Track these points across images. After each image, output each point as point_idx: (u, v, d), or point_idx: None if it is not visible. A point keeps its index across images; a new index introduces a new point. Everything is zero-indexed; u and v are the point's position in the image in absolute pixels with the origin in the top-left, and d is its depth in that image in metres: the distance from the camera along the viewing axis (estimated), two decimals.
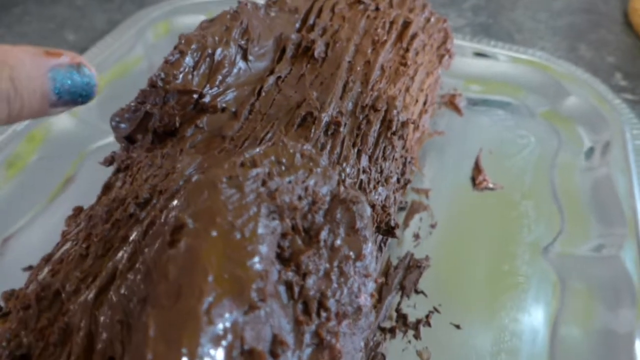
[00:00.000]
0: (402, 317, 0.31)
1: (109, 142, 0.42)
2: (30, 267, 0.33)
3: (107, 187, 0.29)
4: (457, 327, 0.31)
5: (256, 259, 0.20)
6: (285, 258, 0.21)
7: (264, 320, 0.19)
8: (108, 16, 0.58)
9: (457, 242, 0.36)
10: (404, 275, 0.34)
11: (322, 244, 0.22)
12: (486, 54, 0.52)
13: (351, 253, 0.23)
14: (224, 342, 0.17)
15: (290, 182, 0.23)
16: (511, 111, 0.48)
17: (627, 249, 0.34)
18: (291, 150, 0.24)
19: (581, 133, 0.45)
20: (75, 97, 0.22)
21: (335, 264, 0.22)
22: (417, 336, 0.31)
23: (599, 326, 0.31)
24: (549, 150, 0.44)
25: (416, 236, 0.36)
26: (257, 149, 0.24)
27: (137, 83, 0.46)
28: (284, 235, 0.22)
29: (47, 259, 0.26)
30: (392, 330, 0.31)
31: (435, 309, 0.32)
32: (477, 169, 0.41)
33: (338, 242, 0.23)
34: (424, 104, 0.39)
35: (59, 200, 0.37)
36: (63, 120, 0.42)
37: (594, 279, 0.34)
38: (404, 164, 0.33)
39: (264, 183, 0.22)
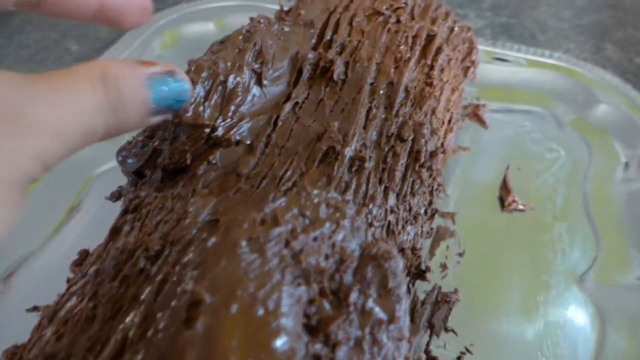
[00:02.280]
0: None
1: (114, 165, 0.40)
2: (35, 308, 0.31)
3: (115, 232, 0.27)
4: None
5: (282, 337, 0.18)
6: (312, 327, 0.19)
7: None
8: None
9: (487, 272, 0.34)
10: (432, 312, 0.31)
11: (352, 307, 0.20)
12: (508, 58, 0.49)
13: (384, 316, 0.20)
14: None
15: (315, 239, 0.21)
16: (538, 121, 0.45)
17: None
18: (315, 200, 0.22)
19: (615, 146, 0.42)
20: (172, 103, 0.23)
21: (367, 330, 0.20)
22: None
23: None
24: (580, 164, 0.41)
25: (443, 266, 0.34)
26: (279, 201, 0.21)
27: None
28: (310, 302, 0.20)
29: (51, 316, 0.24)
30: None
31: (467, 350, 0.30)
32: (505, 188, 0.39)
33: (369, 304, 0.20)
34: (449, 122, 0.37)
35: (63, 232, 0.36)
36: None
37: (636, 312, 0.32)
38: (431, 193, 0.31)
39: (287, 244, 0.20)
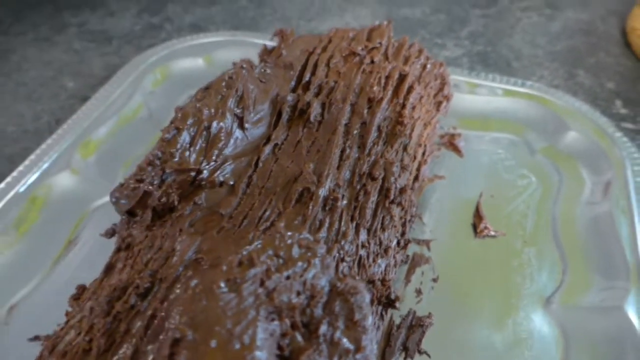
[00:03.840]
0: None
1: (107, 201, 0.42)
2: (36, 337, 0.33)
3: (109, 268, 0.29)
4: None
5: None
6: (285, 358, 0.22)
7: None
8: (106, 60, 0.58)
9: (459, 297, 0.36)
10: (407, 336, 0.34)
11: (321, 339, 0.22)
12: (483, 87, 0.52)
13: (351, 346, 0.23)
14: None
15: (288, 277, 0.23)
16: (511, 149, 0.48)
17: (631, 300, 0.34)
18: (289, 242, 0.24)
19: (582, 172, 0.45)
20: None
21: (336, 359, 0.22)
22: None
23: None
24: (551, 191, 0.44)
25: (418, 291, 0.36)
26: (255, 243, 0.24)
27: (137, 133, 0.47)
28: (283, 335, 0.22)
29: (50, 349, 0.26)
30: None
31: None
32: (478, 216, 0.41)
33: (337, 335, 0.23)
34: (423, 154, 0.39)
35: (61, 264, 0.38)
36: (64, 179, 0.42)
37: (598, 333, 0.34)
38: (404, 224, 0.34)
39: (262, 283, 0.22)
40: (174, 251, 0.27)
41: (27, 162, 0.42)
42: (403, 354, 0.33)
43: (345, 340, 0.23)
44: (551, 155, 0.47)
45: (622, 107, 0.56)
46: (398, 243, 0.32)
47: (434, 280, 0.37)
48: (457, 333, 0.34)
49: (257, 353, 0.20)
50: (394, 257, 0.31)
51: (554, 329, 0.35)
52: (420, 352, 0.33)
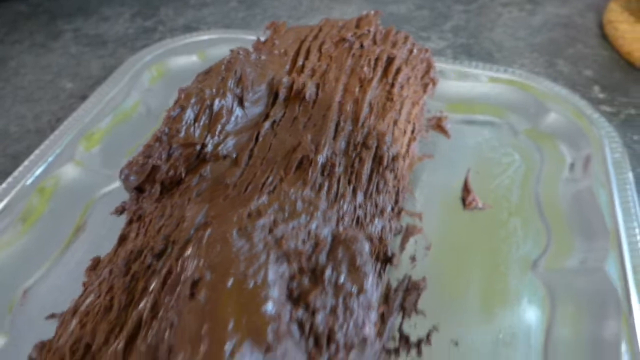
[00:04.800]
0: (404, 338, 0.33)
1: (114, 187, 0.44)
2: (52, 315, 0.35)
3: (123, 239, 0.31)
4: (456, 343, 0.33)
5: (269, 303, 0.22)
6: (294, 298, 0.24)
7: (280, 358, 0.21)
8: (102, 62, 0.60)
9: (451, 262, 0.38)
10: (404, 297, 0.36)
11: (327, 282, 0.24)
12: (467, 75, 0.54)
13: (354, 288, 0.25)
14: None
15: (293, 227, 0.25)
16: (495, 131, 0.50)
17: (610, 260, 0.36)
18: (292, 197, 0.26)
19: (563, 150, 0.47)
20: None
21: (340, 299, 0.24)
22: (419, 354, 0.33)
23: (587, 337, 0.33)
24: (533, 168, 0.46)
25: (412, 258, 0.38)
26: (262, 199, 0.26)
27: (136, 128, 0.49)
28: (292, 278, 0.24)
29: (73, 312, 0.27)
30: (396, 351, 0.33)
31: (435, 328, 0.34)
32: (466, 190, 0.43)
33: (341, 279, 0.25)
34: (412, 132, 0.41)
35: (71, 249, 0.39)
36: (69, 170, 0.43)
37: (581, 292, 0.36)
38: (397, 193, 0.36)
39: (270, 231, 0.24)
40: (184, 217, 0.29)
41: (32, 157, 0.44)
42: (401, 314, 0.35)
43: (348, 283, 0.25)
44: (533, 136, 0.50)
45: (600, 92, 0.59)
46: (392, 209, 0.34)
47: (427, 248, 0.39)
48: (449, 295, 0.36)
49: (269, 291, 0.22)
50: (389, 221, 0.33)
51: (540, 290, 0.37)
52: (417, 312, 0.35)
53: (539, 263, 0.38)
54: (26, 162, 0.43)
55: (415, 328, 0.34)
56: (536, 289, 0.37)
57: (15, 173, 0.42)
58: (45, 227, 0.40)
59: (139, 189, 0.34)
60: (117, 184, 0.44)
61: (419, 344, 0.33)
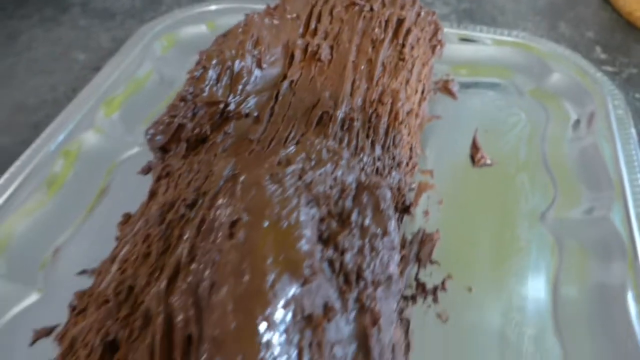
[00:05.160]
0: (420, 286, 0.35)
1: (134, 153, 0.45)
2: (83, 271, 0.36)
3: (152, 194, 0.32)
4: (469, 289, 0.35)
5: (303, 241, 0.23)
6: (324, 239, 0.25)
7: (315, 291, 0.22)
8: (112, 34, 0.61)
9: (462, 215, 0.40)
10: (419, 249, 0.37)
11: (353, 225, 0.26)
12: (472, 38, 0.56)
13: (378, 230, 0.26)
14: (288, 310, 0.21)
15: (321, 174, 0.26)
16: (501, 91, 0.52)
17: (615, 209, 0.38)
18: (318, 147, 0.28)
19: (567, 107, 0.49)
20: None
21: (367, 240, 0.26)
22: (435, 300, 0.34)
23: (595, 280, 0.35)
24: (539, 126, 0.48)
25: (425, 213, 0.40)
26: (290, 149, 0.27)
27: (152, 96, 0.50)
28: (321, 220, 0.25)
29: (111, 260, 0.29)
30: (413, 298, 0.35)
31: (449, 276, 0.36)
32: (474, 147, 0.45)
33: (367, 222, 0.26)
34: (422, 92, 0.43)
35: (96, 211, 0.41)
36: (91, 137, 0.45)
37: (587, 239, 0.38)
38: (411, 149, 0.37)
39: (300, 177, 0.26)
40: (212, 171, 0.30)
41: (53, 124, 0.45)
42: (416, 265, 0.37)
43: (373, 226, 0.26)
44: (538, 95, 0.51)
45: (602, 52, 0.60)
46: (407, 164, 0.36)
47: (439, 202, 0.41)
48: (462, 246, 0.38)
49: (302, 231, 0.24)
50: (405, 175, 0.35)
51: (548, 239, 0.38)
52: (432, 262, 0.37)
53: (546, 214, 0.40)
54: (48, 130, 0.44)
55: (430, 277, 0.36)
56: (545, 238, 0.38)
57: (38, 140, 0.43)
58: (70, 191, 0.42)
59: (164, 149, 0.35)
60: (136, 149, 0.45)
61: (434, 290, 0.35)
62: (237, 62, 0.34)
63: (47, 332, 0.33)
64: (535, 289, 0.35)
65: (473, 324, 0.34)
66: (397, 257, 0.27)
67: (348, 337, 0.22)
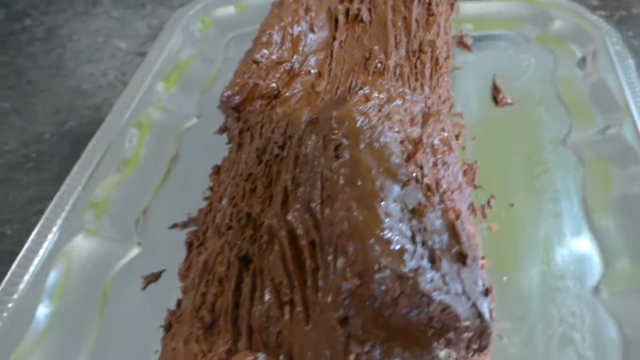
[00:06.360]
0: (470, 205, 0.41)
1: (192, 124, 0.50)
2: (174, 225, 0.41)
3: (239, 145, 0.38)
4: (511, 205, 0.41)
5: (394, 157, 0.29)
6: (406, 158, 0.31)
7: (410, 193, 0.28)
8: (146, 21, 0.66)
9: (494, 147, 0.46)
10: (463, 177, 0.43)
11: (425, 144, 0.32)
12: None
13: (445, 147, 0.32)
14: (397, 205, 0.27)
15: (394, 106, 0.32)
16: (510, 41, 0.57)
17: (626, 127, 0.44)
18: (386, 87, 0.33)
19: (572, 48, 0.55)
20: None
21: (439, 157, 0.31)
22: (484, 216, 0.40)
23: (617, 192, 0.41)
24: (548, 67, 0.54)
25: (462, 148, 0.46)
26: (364, 90, 0.33)
27: (199, 74, 0.55)
28: (401, 142, 0.31)
29: (219, 199, 0.34)
30: None
31: (492, 196, 0.42)
32: (495, 89, 0.51)
33: (436, 141, 0.32)
34: (447, 45, 0.48)
35: (172, 174, 0.46)
36: (153, 112, 0.50)
37: (607, 152, 0.44)
38: (448, 90, 0.43)
39: (379, 109, 0.31)
40: (291, 119, 0.35)
41: (118, 102, 0.50)
42: None
43: (440, 145, 0.32)
44: (544, 40, 0.57)
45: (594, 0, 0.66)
46: (444, 102, 0.41)
47: (473, 138, 0.46)
48: (498, 171, 0.44)
49: (390, 149, 0.29)
50: (449, 111, 0.41)
51: (572, 158, 0.44)
52: (475, 187, 0.42)
53: (567, 138, 0.46)
54: (115, 108, 0.49)
55: (476, 198, 0.42)
56: (568, 158, 0.44)
57: (110, 117, 0.48)
58: (146, 159, 0.47)
59: (237, 109, 0.40)
60: (194, 120, 0.51)
61: (482, 208, 0.41)
62: (295, 27, 0.40)
63: (155, 277, 0.38)
64: (567, 198, 0.41)
65: (518, 233, 0.40)
66: (460, 170, 0.33)
67: (440, 228, 0.28)
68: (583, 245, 0.38)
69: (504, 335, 0.34)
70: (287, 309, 0.26)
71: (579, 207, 0.41)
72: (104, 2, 0.69)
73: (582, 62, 0.53)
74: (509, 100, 0.50)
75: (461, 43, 0.56)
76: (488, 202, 0.41)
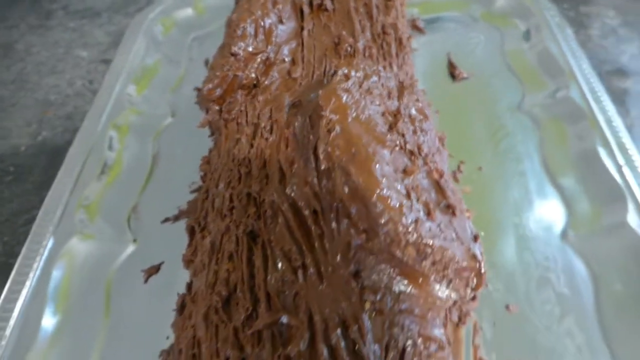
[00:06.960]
0: None
1: (168, 122, 0.52)
2: (167, 219, 0.43)
3: (226, 136, 0.40)
4: (480, 168, 0.45)
5: (379, 126, 0.32)
6: (389, 128, 0.34)
7: (398, 156, 0.31)
8: (104, 29, 0.66)
9: (458, 119, 0.49)
10: None
11: (403, 114, 0.34)
12: None
13: (421, 116, 0.35)
14: (389, 168, 0.29)
15: (372, 82, 0.35)
16: (458, 22, 0.61)
17: (573, 88, 0.48)
18: (361, 66, 0.36)
19: (516, 22, 0.59)
20: None
21: (417, 125, 0.34)
22: (456, 180, 0.44)
23: (573, 148, 0.45)
24: (496, 42, 0.58)
25: None
26: (342, 70, 0.35)
27: (168, 76, 0.56)
28: (382, 114, 0.34)
29: (216, 185, 0.36)
30: None
31: (462, 162, 0.45)
32: (452, 66, 0.54)
33: (412, 111, 0.35)
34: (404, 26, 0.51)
35: (155, 175, 0.47)
36: (128, 115, 0.51)
37: (558, 113, 0.48)
38: (412, 67, 0.46)
39: (360, 86, 0.34)
40: (274, 104, 0.38)
41: (92, 108, 0.50)
42: None
43: (417, 114, 0.35)
44: (489, 18, 0.61)
45: None
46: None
47: (437, 112, 0.50)
48: (463, 137, 0.47)
49: (375, 120, 0.32)
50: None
51: (527, 121, 0.48)
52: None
53: (522, 104, 0.50)
54: (89, 113, 0.50)
55: (448, 165, 0.45)
56: (525, 122, 0.48)
57: (86, 122, 0.49)
58: (128, 164, 0.48)
59: (217, 103, 0.42)
60: (170, 119, 0.52)
61: (454, 173, 0.44)
62: (265, 19, 0.42)
63: (155, 269, 0.40)
64: (529, 157, 0.45)
65: (489, 192, 0.43)
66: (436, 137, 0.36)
67: (427, 187, 0.31)
68: (548, 197, 0.42)
69: (488, 283, 0.37)
70: (300, 272, 0.29)
71: (540, 164, 0.44)
72: (58, 15, 0.69)
73: (527, 34, 0.57)
74: (465, 75, 0.53)
75: (414, 26, 0.60)
76: (458, 168, 0.45)
